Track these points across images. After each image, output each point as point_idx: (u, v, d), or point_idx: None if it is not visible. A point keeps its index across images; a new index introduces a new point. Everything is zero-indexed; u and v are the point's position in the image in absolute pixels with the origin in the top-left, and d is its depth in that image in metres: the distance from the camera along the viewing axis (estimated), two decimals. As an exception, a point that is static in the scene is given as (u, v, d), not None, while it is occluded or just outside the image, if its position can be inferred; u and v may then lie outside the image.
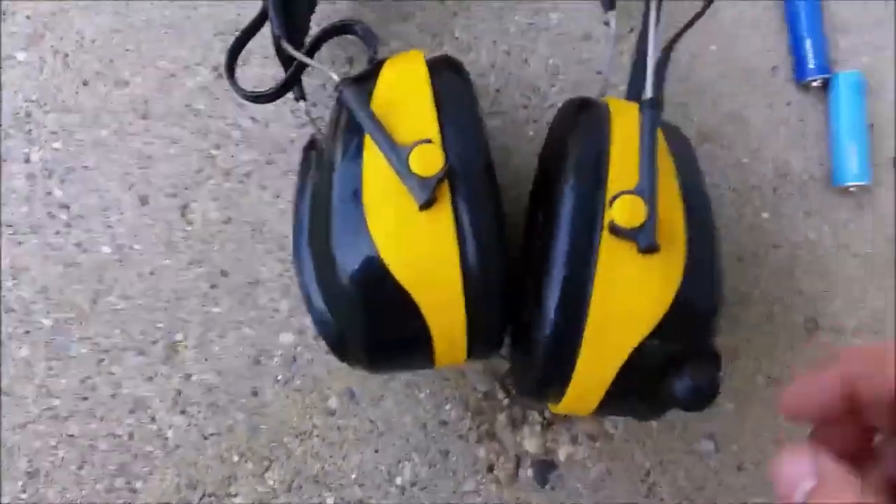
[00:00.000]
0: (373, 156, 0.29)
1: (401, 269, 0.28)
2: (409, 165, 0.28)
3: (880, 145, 0.44)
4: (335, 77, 0.31)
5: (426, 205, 0.28)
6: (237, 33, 0.36)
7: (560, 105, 0.36)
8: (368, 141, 0.29)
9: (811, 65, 0.42)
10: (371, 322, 0.30)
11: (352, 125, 0.30)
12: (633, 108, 0.32)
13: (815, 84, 0.43)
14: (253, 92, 0.33)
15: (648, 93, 0.31)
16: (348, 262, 0.29)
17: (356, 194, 0.29)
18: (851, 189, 0.42)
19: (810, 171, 0.43)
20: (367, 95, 0.30)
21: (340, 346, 0.32)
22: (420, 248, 0.28)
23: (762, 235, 0.43)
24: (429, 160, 0.28)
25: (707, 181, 0.34)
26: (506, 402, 0.40)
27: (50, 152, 0.42)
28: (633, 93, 0.40)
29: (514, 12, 0.44)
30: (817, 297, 0.43)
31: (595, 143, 0.30)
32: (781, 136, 0.44)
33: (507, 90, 0.43)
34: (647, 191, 0.28)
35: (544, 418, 0.40)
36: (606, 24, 0.43)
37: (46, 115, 0.42)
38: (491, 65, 0.43)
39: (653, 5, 0.34)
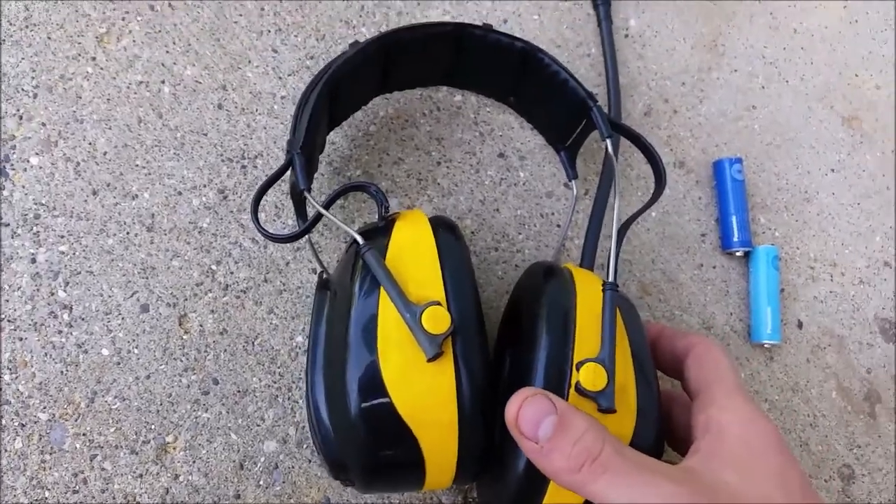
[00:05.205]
0: (387, 308, 0.33)
1: (406, 408, 0.32)
2: (421, 323, 0.32)
3: (789, 308, 0.51)
4: (359, 239, 0.35)
5: (434, 358, 0.32)
6: (264, 179, 0.38)
7: (527, 262, 0.41)
8: (384, 294, 0.34)
9: (735, 238, 0.49)
10: (373, 450, 0.34)
11: (368, 279, 0.34)
12: (592, 278, 0.38)
13: (738, 253, 0.50)
14: (275, 234, 0.37)
15: (610, 277, 0.37)
16: (359, 396, 0.33)
17: (371, 339, 0.33)
18: (766, 345, 0.49)
19: (731, 325, 0.50)
20: (383, 254, 0.35)
21: (340, 467, 0.35)
22: (424, 392, 0.33)
23: (688, 376, 0.49)
24: (438, 320, 0.32)
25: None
26: (466, 513, 0.44)
27: (56, 255, 0.43)
28: (588, 253, 0.46)
29: (489, 168, 0.49)
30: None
31: (564, 311, 0.35)
32: (708, 294, 0.50)
33: (481, 233, 0.48)
34: (608, 361, 0.33)
35: (502, 529, 0.44)
36: (566, 185, 0.50)
37: (55, 218, 0.44)
38: (468, 209, 0.48)
39: (616, 203, 0.40)
